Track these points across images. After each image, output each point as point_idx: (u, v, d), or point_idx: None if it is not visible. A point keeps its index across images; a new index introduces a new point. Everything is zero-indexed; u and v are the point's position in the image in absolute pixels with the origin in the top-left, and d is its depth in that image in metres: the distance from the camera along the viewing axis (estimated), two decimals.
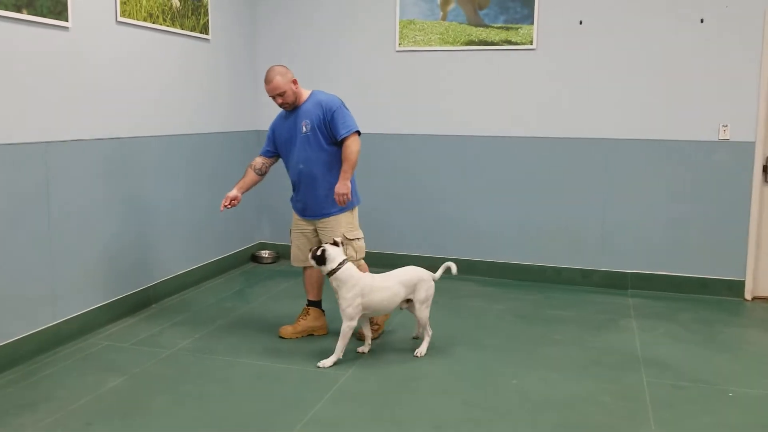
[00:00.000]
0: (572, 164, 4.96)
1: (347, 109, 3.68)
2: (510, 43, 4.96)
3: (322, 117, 3.62)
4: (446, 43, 5.09)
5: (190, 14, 4.58)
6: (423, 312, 3.58)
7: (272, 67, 3.70)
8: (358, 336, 3.74)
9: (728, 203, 4.70)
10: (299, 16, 5.43)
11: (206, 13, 4.78)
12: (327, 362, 3.40)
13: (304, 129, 3.65)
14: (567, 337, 3.94)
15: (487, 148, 5.11)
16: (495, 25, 4.97)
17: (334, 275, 3.40)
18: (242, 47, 5.36)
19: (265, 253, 5.63)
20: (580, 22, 4.82)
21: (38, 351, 3.46)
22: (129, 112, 4.08)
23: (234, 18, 5.21)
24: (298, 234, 3.87)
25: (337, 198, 3.57)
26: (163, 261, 4.49)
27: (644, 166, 4.83)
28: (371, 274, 3.57)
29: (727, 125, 4.64)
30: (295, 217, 3.87)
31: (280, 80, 3.60)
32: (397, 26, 5.18)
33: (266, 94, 5.52)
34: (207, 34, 4.81)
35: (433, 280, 3.65)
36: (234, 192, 3.78)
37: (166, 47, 4.39)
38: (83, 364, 3.39)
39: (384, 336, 3.89)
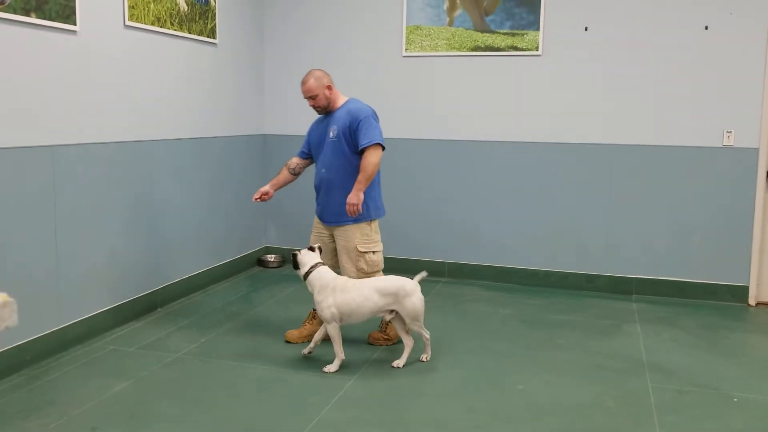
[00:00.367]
0: (577, 169, 4.97)
1: (377, 121, 3.66)
2: (516, 49, 4.98)
3: (348, 125, 3.63)
4: (452, 48, 5.11)
5: (197, 18, 4.60)
6: (413, 325, 3.48)
7: (312, 70, 3.74)
8: (369, 341, 3.77)
9: (732, 209, 4.71)
10: (306, 21, 5.45)
11: (213, 18, 4.80)
12: (332, 367, 3.41)
13: (332, 134, 3.69)
14: (572, 341, 3.94)
15: (493, 153, 5.12)
16: (501, 31, 4.99)
17: (307, 279, 3.45)
18: (249, 51, 5.38)
19: (271, 257, 5.64)
20: (586, 29, 4.84)
21: (44, 355, 3.47)
22: (136, 115, 4.10)
23: (241, 22, 5.23)
24: (315, 237, 3.89)
25: (347, 208, 3.58)
26: (170, 265, 4.50)
27: (649, 171, 4.83)
28: (347, 278, 3.55)
29: (731, 131, 4.65)
30: (315, 220, 3.91)
31: (313, 83, 3.66)
32: (404, 32, 5.20)
33: (272, 99, 5.64)
34: (214, 38, 4.83)
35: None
36: (266, 187, 3.90)
37: (174, 51, 4.41)
38: (89, 368, 3.40)
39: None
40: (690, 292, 4.84)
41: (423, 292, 3.51)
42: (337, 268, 3.72)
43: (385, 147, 3.66)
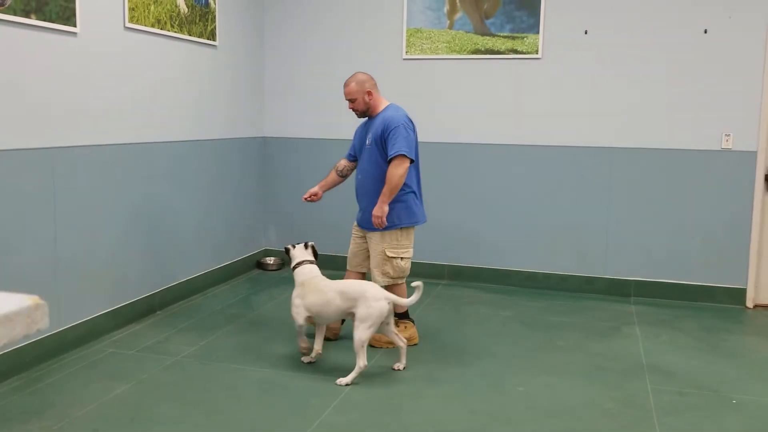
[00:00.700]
0: (577, 173, 4.98)
1: (407, 130, 3.60)
2: (516, 52, 4.99)
3: (381, 133, 3.64)
4: (453, 51, 5.12)
5: (197, 20, 4.61)
6: (356, 332, 3.26)
7: (356, 72, 3.78)
8: (370, 344, 3.77)
9: (730, 212, 4.73)
10: (307, 23, 5.46)
11: (213, 20, 4.80)
12: (308, 358, 3.51)
13: (368, 141, 3.71)
14: (571, 343, 3.95)
15: (493, 156, 5.13)
16: (501, 35, 5.00)
17: (294, 273, 3.58)
18: (249, 54, 5.39)
19: (270, 260, 5.64)
20: (585, 32, 4.85)
21: (43, 358, 3.46)
22: (136, 117, 4.10)
23: (241, 24, 5.24)
24: (353, 237, 3.94)
25: (372, 220, 3.61)
26: (169, 267, 4.50)
27: (648, 174, 4.85)
28: (324, 277, 3.54)
29: (729, 135, 4.67)
30: (354, 223, 3.95)
31: (353, 87, 3.70)
32: (404, 34, 5.21)
33: (272, 101, 5.64)
34: (214, 40, 4.84)
35: (387, 301, 3.32)
36: (315, 188, 3.93)
37: (174, 53, 4.42)
38: (89, 371, 3.40)
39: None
40: (688, 294, 4.85)
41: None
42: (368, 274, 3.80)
43: (413, 159, 3.63)
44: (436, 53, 5.16)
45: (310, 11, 5.44)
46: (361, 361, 3.26)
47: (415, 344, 3.80)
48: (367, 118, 3.82)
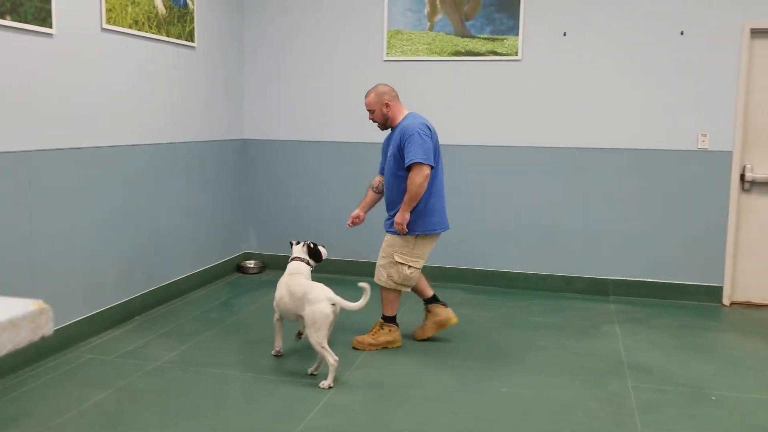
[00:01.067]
0: (556, 173, 5.02)
1: (422, 137, 3.58)
2: (496, 54, 5.02)
3: (398, 143, 3.65)
4: (433, 53, 5.13)
5: (175, 22, 4.56)
6: (310, 336, 3.25)
7: (378, 84, 3.81)
8: (353, 345, 3.75)
9: (707, 211, 4.80)
10: (287, 24, 5.43)
11: (192, 21, 4.76)
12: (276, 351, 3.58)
13: (389, 153, 3.74)
14: (552, 343, 3.98)
15: (473, 157, 5.15)
16: (481, 36, 5.02)
17: None
18: (229, 55, 5.35)
19: (250, 263, 5.59)
20: (564, 34, 4.90)
21: (19, 365, 3.39)
22: (114, 119, 4.04)
23: (220, 25, 5.19)
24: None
25: (394, 226, 3.66)
26: (147, 271, 4.44)
27: (626, 174, 4.91)
28: (301, 275, 3.53)
29: (706, 135, 4.75)
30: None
31: (372, 99, 3.75)
32: (385, 36, 5.21)
33: (253, 103, 5.60)
34: (193, 41, 4.79)
35: (333, 304, 3.25)
36: (356, 211, 3.94)
37: (152, 55, 4.37)
38: (66, 378, 3.34)
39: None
40: (666, 292, 4.91)
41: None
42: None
43: (432, 164, 3.61)
44: (417, 55, 5.17)
45: (290, 13, 5.41)
46: (330, 359, 3.22)
47: (397, 346, 3.80)
48: (389, 130, 3.83)
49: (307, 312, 3.25)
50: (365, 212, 3.95)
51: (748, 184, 4.76)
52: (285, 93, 5.50)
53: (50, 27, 3.49)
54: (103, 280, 4.02)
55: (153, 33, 4.33)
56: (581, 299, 4.92)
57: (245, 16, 5.51)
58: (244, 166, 5.63)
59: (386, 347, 3.79)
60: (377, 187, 3.96)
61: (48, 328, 1.01)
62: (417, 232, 3.69)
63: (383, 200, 3.90)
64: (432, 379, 3.43)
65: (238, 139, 5.56)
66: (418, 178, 3.53)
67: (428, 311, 3.92)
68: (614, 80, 4.85)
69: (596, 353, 3.81)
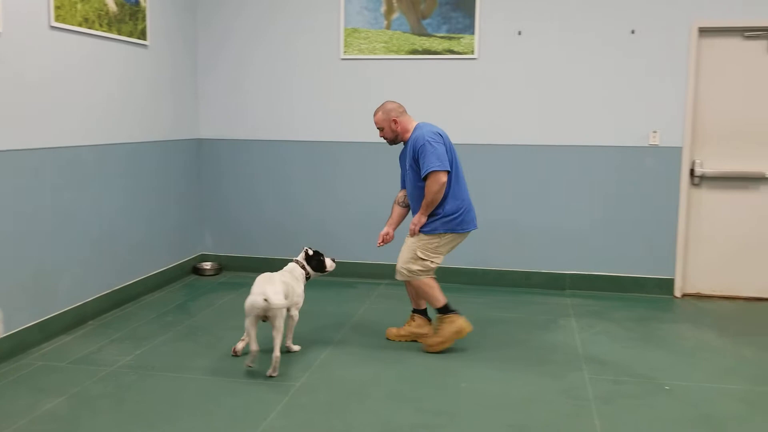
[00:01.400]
0: (513, 170, 5.09)
1: (433, 144, 3.61)
2: (453, 52, 5.05)
3: (412, 156, 3.69)
4: (390, 51, 5.14)
5: (127, 19, 4.46)
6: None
7: (385, 102, 3.82)
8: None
9: (659, 205, 4.92)
10: (242, 22, 5.36)
11: (144, 19, 4.66)
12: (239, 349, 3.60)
13: (407, 166, 3.77)
14: (511, 337, 4.03)
15: None
16: (438, 35, 5.05)
17: None
18: (183, 53, 5.25)
19: (207, 265, 5.51)
20: (519, 33, 4.96)
21: None
22: (63, 120, 3.93)
23: (174, 23, 5.10)
24: None
25: (409, 227, 3.74)
26: (99, 276, 4.33)
27: (581, 171, 5.00)
28: (280, 272, 3.63)
29: (657, 131, 4.87)
30: None
31: (380, 117, 3.78)
32: (342, 34, 5.19)
33: (208, 102, 5.51)
34: (145, 39, 4.69)
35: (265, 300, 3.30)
36: (385, 229, 3.94)
37: (103, 53, 4.26)
38: (16, 386, 3.22)
39: (332, 345, 3.87)
40: (620, 285, 5.02)
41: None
42: None
43: (448, 169, 3.62)
44: (374, 53, 5.16)
45: (245, 11, 5.35)
46: (250, 345, 3.37)
47: (469, 332, 3.77)
48: (402, 144, 3.87)
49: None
50: (394, 229, 3.96)
51: (697, 179, 4.90)
52: (241, 92, 5.43)
53: None
54: (54, 284, 3.90)
55: (104, 31, 4.22)
56: (540, 294, 4.99)
57: (199, 13, 5.42)
58: (200, 166, 5.54)
59: (457, 338, 3.75)
60: (402, 202, 3.98)
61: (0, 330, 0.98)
62: (439, 232, 3.72)
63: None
64: (393, 375, 3.43)
65: (193, 139, 5.47)
66: (435, 185, 3.59)
67: (412, 319, 3.95)
68: (568, 78, 4.94)
69: (554, 346, 3.87)
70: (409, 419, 2.95)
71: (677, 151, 4.86)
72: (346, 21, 5.17)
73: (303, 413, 2.98)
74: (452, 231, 3.73)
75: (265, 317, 3.35)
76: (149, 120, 4.84)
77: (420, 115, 5.18)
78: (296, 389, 3.22)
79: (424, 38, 5.08)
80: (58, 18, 3.80)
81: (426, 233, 3.71)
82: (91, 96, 4.18)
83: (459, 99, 5.10)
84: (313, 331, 3.94)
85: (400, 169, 3.98)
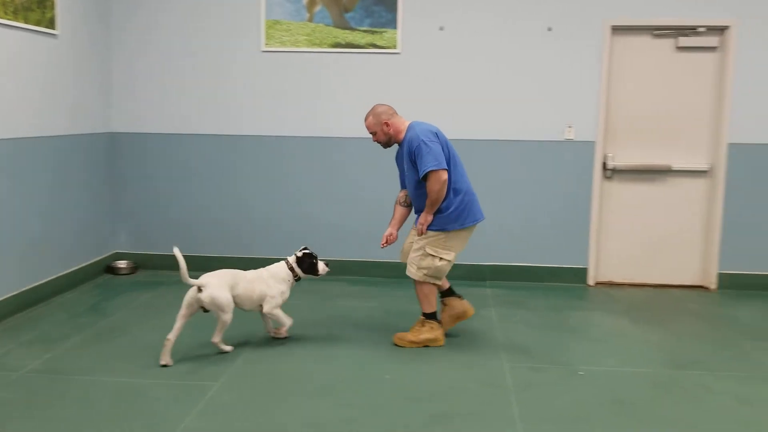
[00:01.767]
0: None
1: (429, 144, 3.59)
2: (375, 46, 5.06)
3: (409, 157, 3.66)
4: (313, 44, 5.09)
5: (34, 7, 4.22)
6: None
7: (375, 105, 3.82)
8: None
9: (573, 197, 5.12)
10: (157, 11, 5.18)
11: (53, 7, 4.42)
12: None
13: (405, 167, 3.75)
14: None
15: (355, 150, 5.17)
16: (360, 29, 5.05)
17: None
18: (94, 43, 5.01)
19: (122, 264, 5.30)
20: (441, 29, 5.03)
21: None
22: None
23: (84, 12, 4.85)
24: (409, 236, 3.97)
25: (417, 226, 3.73)
26: (6, 276, 4.09)
27: (498, 164, 5.13)
28: (260, 270, 3.70)
29: (571, 126, 5.05)
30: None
31: (371, 121, 3.76)
32: (263, 26, 5.10)
33: (121, 94, 5.30)
34: (54, 28, 4.45)
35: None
36: (388, 230, 3.92)
37: (7, 42, 4.01)
38: None
39: (252, 342, 3.82)
40: (537, 275, 5.20)
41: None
42: None
43: (446, 167, 3.61)
44: (297, 46, 5.10)
45: (166, 1, 5.16)
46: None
47: (440, 345, 3.80)
48: (397, 145, 3.84)
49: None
50: (397, 229, 3.94)
51: (609, 172, 5.13)
52: (157, 84, 5.25)
53: None
54: None
55: (9, 19, 3.98)
56: (461, 285, 5.04)
57: (112, 2, 5.20)
58: (113, 160, 5.32)
59: (428, 345, 3.77)
60: (404, 201, 3.96)
61: None
62: (446, 229, 3.71)
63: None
64: (317, 370, 3.42)
65: (105, 133, 5.24)
66: (436, 185, 3.58)
67: (444, 304, 3.94)
68: (487, 74, 5.05)
69: (474, 336, 3.96)
70: (334, 413, 2.95)
71: (591, 145, 5.06)
72: (268, 12, 5.08)
73: (223, 413, 2.93)
74: (460, 226, 3.75)
75: (204, 309, 3.42)
76: (56, 112, 4.59)
77: (343, 109, 5.20)
78: (216, 388, 3.16)
79: (347, 32, 5.06)
80: None
81: (434, 230, 3.72)
82: None
83: (381, 93, 5.09)
84: (236, 327, 3.87)
85: (398, 170, 3.97)
